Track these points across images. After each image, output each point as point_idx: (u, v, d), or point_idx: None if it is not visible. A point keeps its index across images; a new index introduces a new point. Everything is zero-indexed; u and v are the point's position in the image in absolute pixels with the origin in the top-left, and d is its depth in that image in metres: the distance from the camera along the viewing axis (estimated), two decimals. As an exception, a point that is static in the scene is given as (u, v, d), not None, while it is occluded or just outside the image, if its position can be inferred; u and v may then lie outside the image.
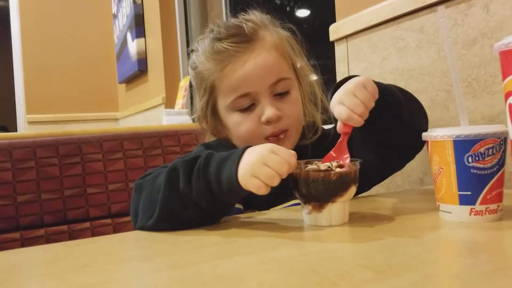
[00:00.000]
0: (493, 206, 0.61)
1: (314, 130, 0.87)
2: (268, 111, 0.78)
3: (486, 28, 0.91)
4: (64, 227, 1.08)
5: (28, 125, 3.95)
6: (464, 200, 0.61)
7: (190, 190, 0.64)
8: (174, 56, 2.98)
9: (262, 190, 0.60)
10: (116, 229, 1.12)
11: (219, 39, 0.79)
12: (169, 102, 2.85)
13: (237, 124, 0.80)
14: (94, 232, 1.10)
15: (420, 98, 1.04)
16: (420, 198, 0.87)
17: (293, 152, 0.63)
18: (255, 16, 0.83)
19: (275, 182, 0.60)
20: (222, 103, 0.81)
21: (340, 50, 1.30)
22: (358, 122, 0.66)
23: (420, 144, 0.77)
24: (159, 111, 2.99)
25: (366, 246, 0.53)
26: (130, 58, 3.43)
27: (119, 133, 1.18)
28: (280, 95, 0.80)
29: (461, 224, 0.60)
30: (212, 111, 0.84)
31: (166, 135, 1.22)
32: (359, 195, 0.86)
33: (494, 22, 0.89)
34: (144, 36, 3.25)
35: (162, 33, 2.97)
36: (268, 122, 0.78)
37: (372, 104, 0.67)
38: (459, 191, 0.61)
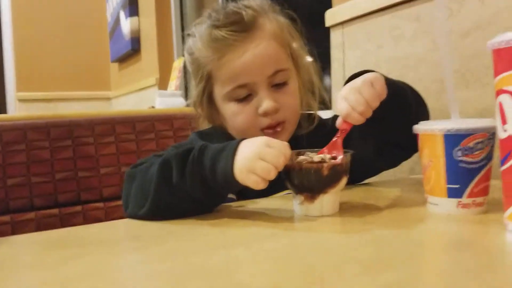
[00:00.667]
0: (479, 199, 0.61)
1: (311, 120, 0.87)
2: (266, 103, 0.77)
3: (481, 19, 0.91)
4: (55, 211, 1.08)
5: (18, 103, 3.92)
6: (452, 193, 0.62)
7: (184, 183, 0.64)
8: (168, 36, 2.96)
9: (260, 186, 0.60)
10: (108, 213, 1.12)
11: (218, 26, 0.77)
12: (163, 83, 2.84)
13: (233, 114, 0.80)
14: (86, 216, 1.10)
15: (415, 87, 1.04)
16: (410, 189, 0.87)
17: (287, 143, 0.64)
18: (254, 1, 0.81)
19: (272, 175, 0.60)
20: (219, 92, 0.80)
21: (335, 37, 1.30)
22: (358, 120, 0.66)
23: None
24: (152, 92, 2.97)
25: (356, 238, 0.54)
26: (123, 37, 3.40)
27: (111, 116, 1.17)
28: (277, 86, 0.79)
29: (448, 217, 0.61)
30: (208, 99, 0.83)
31: (160, 119, 1.22)
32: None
33: (489, 14, 0.89)
34: (138, 15, 3.21)
35: (156, 12, 2.94)
36: (266, 114, 0.78)
37: (376, 104, 0.66)
38: (447, 184, 0.62)
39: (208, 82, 0.81)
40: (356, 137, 0.78)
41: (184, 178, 0.64)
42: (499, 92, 0.48)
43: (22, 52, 3.89)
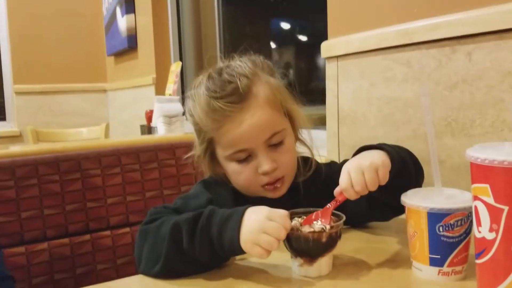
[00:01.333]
0: (458, 268, 0.69)
1: (308, 166, 0.93)
2: (264, 164, 0.83)
3: (467, 75, 0.97)
4: (66, 240, 1.14)
5: (15, 96, 3.93)
6: (434, 262, 0.69)
7: (193, 248, 0.72)
8: (165, 35, 2.98)
9: (264, 256, 0.69)
10: (115, 240, 1.20)
11: (215, 98, 0.82)
12: (160, 83, 2.88)
13: (235, 172, 0.86)
14: (94, 244, 1.17)
15: (403, 128, 1.11)
16: (398, 237, 0.93)
17: (286, 213, 0.71)
18: (247, 65, 0.86)
19: (275, 247, 0.69)
20: (220, 152, 0.87)
21: (330, 68, 1.35)
22: (353, 197, 0.74)
23: None
24: (149, 91, 3.02)
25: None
26: (120, 34, 3.41)
27: (117, 148, 1.23)
28: (275, 146, 0.85)
29: (430, 283, 0.69)
30: (210, 156, 0.89)
31: (162, 149, 1.28)
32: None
33: (475, 71, 0.95)
34: (134, 13, 3.23)
35: (153, 10, 2.96)
36: (265, 173, 0.84)
37: (374, 189, 0.73)
38: (430, 254, 0.69)
39: (209, 144, 0.87)
40: None
41: (193, 244, 0.72)
42: (475, 198, 0.55)
43: (19, 45, 3.89)
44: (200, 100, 0.85)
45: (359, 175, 0.73)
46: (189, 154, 0.94)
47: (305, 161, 0.94)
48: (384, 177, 0.74)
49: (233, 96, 0.81)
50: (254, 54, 0.92)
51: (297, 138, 0.94)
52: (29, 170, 1.12)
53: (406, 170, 0.81)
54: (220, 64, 0.90)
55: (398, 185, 0.76)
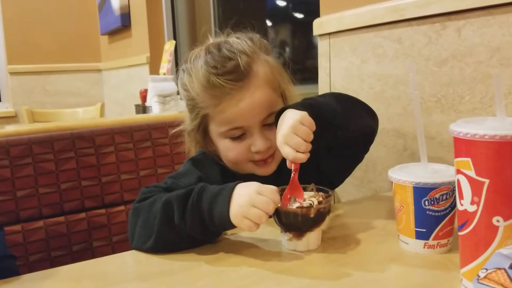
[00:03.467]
0: (443, 241, 0.71)
1: None
2: (259, 143, 0.84)
3: (457, 51, 0.97)
4: (62, 218, 1.16)
5: (10, 76, 3.91)
6: (420, 235, 0.71)
7: (184, 224, 0.73)
8: (158, 13, 2.96)
9: (253, 229, 0.70)
10: (110, 219, 1.21)
11: (215, 74, 0.81)
12: (154, 62, 2.87)
13: (227, 149, 0.87)
14: (90, 222, 1.19)
15: (394, 105, 1.12)
16: (386, 212, 0.94)
17: (275, 188, 0.73)
18: (246, 44, 0.86)
19: (264, 220, 0.70)
20: (214, 129, 0.87)
21: (322, 46, 1.36)
22: (304, 159, 0.74)
23: (370, 138, 0.90)
24: (143, 71, 3.01)
25: (333, 284, 0.63)
26: (113, 12, 3.38)
27: (110, 127, 1.24)
28: (269, 125, 0.86)
29: (416, 255, 0.71)
30: (203, 132, 0.90)
31: (155, 128, 1.29)
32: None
33: (464, 47, 0.96)
34: (127, -10, 3.19)
35: (146, -12, 2.93)
36: (258, 152, 0.85)
37: (311, 137, 0.74)
38: (415, 227, 0.71)
39: (203, 120, 0.88)
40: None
41: (184, 220, 0.73)
42: (458, 171, 0.56)
43: (12, 25, 3.85)
44: (198, 74, 0.84)
45: (294, 137, 0.73)
46: (178, 129, 0.94)
47: None
48: (310, 124, 0.74)
49: (234, 74, 0.81)
50: (250, 31, 0.91)
51: None
52: (23, 149, 1.12)
53: (323, 111, 0.81)
54: (216, 39, 0.90)
55: (340, 126, 0.80)
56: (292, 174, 0.77)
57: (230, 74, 0.81)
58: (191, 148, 0.96)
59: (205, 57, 0.84)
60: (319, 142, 0.76)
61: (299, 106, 0.78)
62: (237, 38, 0.87)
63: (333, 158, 0.92)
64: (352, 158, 0.94)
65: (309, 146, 0.74)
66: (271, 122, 0.85)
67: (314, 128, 0.75)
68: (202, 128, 0.89)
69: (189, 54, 0.89)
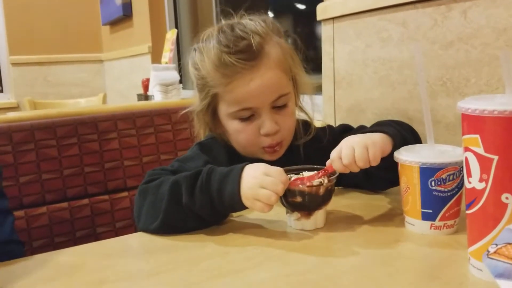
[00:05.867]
0: (450, 222, 0.70)
1: (307, 128, 0.94)
2: (268, 125, 0.84)
3: (463, 33, 0.96)
4: (65, 204, 1.16)
5: (12, 67, 3.90)
6: (426, 216, 0.70)
7: (193, 203, 0.73)
8: (160, 3, 2.94)
9: (265, 210, 0.70)
10: (113, 205, 1.21)
11: (227, 53, 0.80)
12: (155, 52, 2.85)
13: (236, 131, 0.86)
14: (93, 208, 1.19)
15: (399, 89, 1.11)
16: (392, 194, 0.94)
17: (282, 170, 0.73)
18: (260, 24, 0.85)
19: (274, 201, 0.70)
20: (224, 109, 0.86)
21: (326, 31, 1.34)
22: (341, 170, 0.75)
23: None
24: (145, 60, 2.99)
25: (339, 265, 0.62)
26: (114, 2, 3.36)
27: (113, 113, 1.23)
28: (278, 108, 0.85)
29: (422, 237, 0.70)
30: (212, 113, 0.89)
31: (158, 114, 1.28)
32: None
33: (470, 29, 0.95)
34: (128, -21, 3.17)
35: (147, -23, 2.91)
36: (267, 135, 0.85)
37: (362, 166, 0.74)
38: (422, 208, 0.70)
39: (213, 99, 0.87)
40: None
41: (193, 200, 0.73)
42: (466, 149, 0.56)
43: (13, 16, 3.83)
44: (210, 53, 0.83)
45: (350, 150, 0.74)
46: (187, 110, 0.94)
47: (305, 124, 0.95)
48: (373, 157, 0.74)
49: (246, 53, 0.81)
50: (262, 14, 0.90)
51: (297, 104, 0.94)
52: (25, 135, 1.12)
53: (400, 139, 0.80)
54: (229, 20, 0.89)
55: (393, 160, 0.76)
56: (318, 172, 0.77)
57: (242, 53, 0.80)
58: (200, 130, 0.95)
59: (217, 36, 0.83)
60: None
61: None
62: (251, 19, 0.87)
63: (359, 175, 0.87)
64: (377, 185, 0.93)
65: (354, 168, 0.75)
66: (281, 104, 0.85)
67: (374, 162, 0.74)
68: (212, 109, 0.89)
69: (201, 34, 0.88)
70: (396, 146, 0.77)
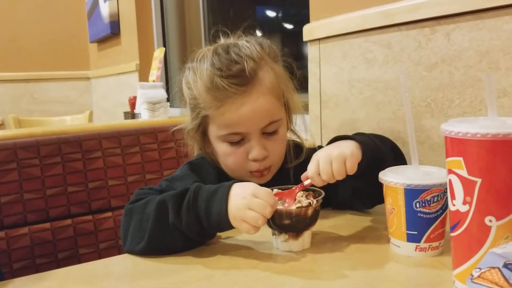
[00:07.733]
0: (435, 244, 0.70)
1: (299, 151, 0.94)
2: (256, 151, 0.83)
3: (447, 55, 0.98)
4: (47, 225, 1.14)
5: (-3, 84, 3.88)
6: (411, 238, 0.70)
7: (180, 222, 0.72)
8: (148, 21, 2.95)
9: (251, 232, 0.70)
10: (97, 225, 1.19)
11: (220, 76, 0.80)
12: (143, 70, 2.85)
13: (225, 154, 0.86)
14: (76, 229, 1.17)
15: (384, 110, 1.12)
16: (377, 215, 0.94)
17: (271, 192, 0.72)
18: (255, 48, 0.84)
19: (261, 223, 0.69)
20: (213, 131, 0.86)
21: (312, 51, 1.35)
22: (319, 184, 0.76)
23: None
24: (132, 78, 2.99)
25: (328, 285, 0.62)
26: (102, 20, 3.36)
27: (97, 132, 1.22)
28: (268, 134, 0.85)
29: (407, 259, 0.70)
30: (202, 133, 0.89)
31: (144, 133, 1.27)
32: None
33: (454, 51, 0.96)
34: (116, -2, 3.18)
35: (135, -4, 2.92)
36: (255, 160, 0.84)
37: (340, 178, 0.75)
38: (407, 230, 0.70)
39: (203, 120, 0.86)
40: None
41: (180, 218, 0.72)
42: (449, 171, 0.56)
43: (0, 32, 3.82)
44: (203, 75, 0.83)
45: (327, 164, 0.75)
46: (179, 127, 0.93)
47: (296, 147, 0.95)
48: (351, 168, 0.75)
49: (238, 78, 0.80)
50: (260, 36, 0.91)
51: (289, 128, 0.94)
52: (8, 154, 1.10)
53: (382, 158, 0.81)
54: (226, 40, 0.89)
55: (376, 173, 0.76)
56: (296, 186, 0.77)
57: (235, 78, 0.80)
58: (193, 148, 0.95)
59: (212, 58, 0.83)
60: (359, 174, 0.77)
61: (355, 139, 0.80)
62: (247, 41, 0.86)
63: (347, 193, 0.90)
64: (363, 203, 0.93)
65: (332, 181, 0.76)
66: (271, 130, 0.85)
67: (352, 172, 0.76)
68: (202, 129, 0.88)
69: (196, 53, 0.88)
70: (366, 154, 0.78)
